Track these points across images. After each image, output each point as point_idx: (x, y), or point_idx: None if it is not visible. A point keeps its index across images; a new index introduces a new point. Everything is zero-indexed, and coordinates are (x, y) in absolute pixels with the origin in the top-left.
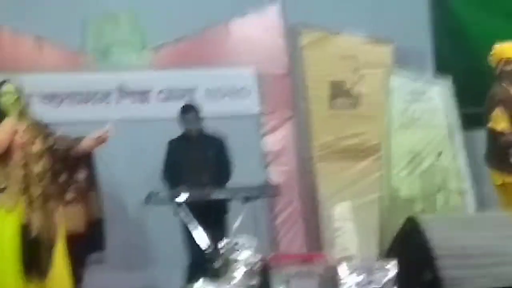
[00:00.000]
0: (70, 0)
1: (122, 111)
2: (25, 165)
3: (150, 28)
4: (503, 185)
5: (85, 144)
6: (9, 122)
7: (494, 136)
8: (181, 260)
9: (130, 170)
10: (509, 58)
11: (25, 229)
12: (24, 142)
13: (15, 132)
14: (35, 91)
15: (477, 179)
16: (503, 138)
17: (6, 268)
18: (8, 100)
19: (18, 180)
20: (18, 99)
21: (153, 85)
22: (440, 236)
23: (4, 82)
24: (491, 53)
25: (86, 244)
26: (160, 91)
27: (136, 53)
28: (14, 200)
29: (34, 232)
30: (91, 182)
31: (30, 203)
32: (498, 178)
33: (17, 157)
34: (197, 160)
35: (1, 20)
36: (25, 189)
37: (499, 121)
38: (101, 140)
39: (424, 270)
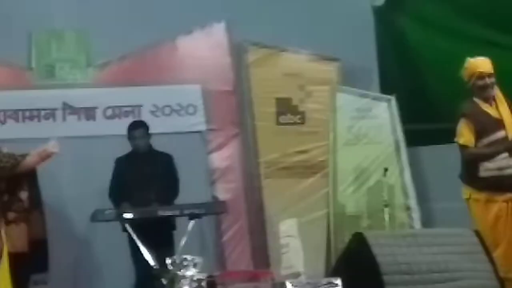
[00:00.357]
0: (15, 17)
1: (68, 128)
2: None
3: (96, 46)
4: (468, 199)
5: (29, 160)
6: None
7: (460, 150)
8: (128, 277)
9: (76, 188)
10: (482, 72)
11: None
12: None
13: None
14: None
15: (422, 196)
16: (466, 151)
17: None
18: None
19: None
20: None
21: (99, 102)
22: (386, 252)
23: None
24: (464, 67)
25: (29, 264)
26: (106, 108)
27: (81, 70)
28: None
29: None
30: (35, 201)
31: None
32: (466, 192)
33: None
34: (145, 177)
35: None
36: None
37: (462, 134)
38: (45, 156)
39: (370, 286)
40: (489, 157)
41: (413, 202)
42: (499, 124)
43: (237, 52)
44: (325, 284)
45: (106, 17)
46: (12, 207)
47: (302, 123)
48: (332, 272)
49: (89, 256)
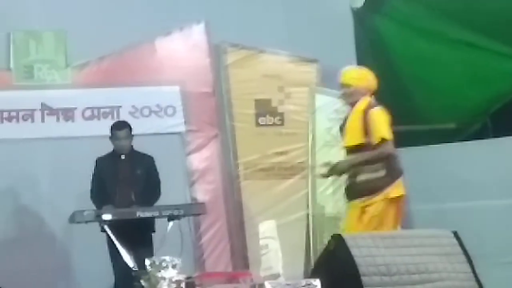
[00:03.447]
0: None
1: (47, 129)
2: None
3: (75, 46)
4: None
5: None
6: None
7: None
8: (107, 279)
9: (55, 189)
10: (342, 83)
11: None
12: None
13: None
14: None
15: None
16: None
17: None
18: None
19: None
20: None
21: (77, 103)
22: (364, 253)
23: None
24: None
25: None
26: (85, 109)
27: (60, 71)
28: None
29: None
30: None
31: None
32: None
33: None
34: (125, 178)
35: None
36: None
37: None
38: None
39: (349, 287)
40: None
41: None
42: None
43: (216, 53)
44: (304, 286)
45: (84, 17)
46: None
47: (281, 124)
48: (311, 273)
49: (68, 257)
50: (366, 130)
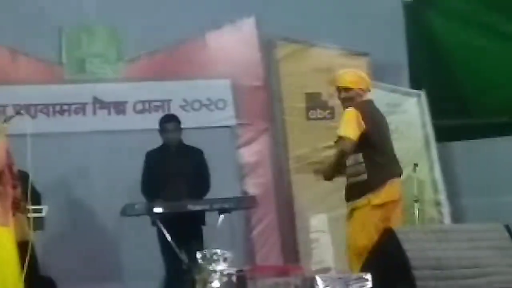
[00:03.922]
0: (46, 11)
1: (98, 122)
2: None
3: (126, 40)
4: None
5: None
6: (2, 142)
7: None
8: (157, 272)
9: (106, 182)
10: (340, 86)
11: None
12: (11, 161)
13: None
14: (9, 103)
15: (452, 191)
16: None
17: (5, 281)
18: None
19: (10, 199)
20: None
21: (129, 97)
22: (416, 247)
23: None
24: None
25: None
26: (136, 103)
27: (112, 65)
28: (7, 216)
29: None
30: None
31: (19, 219)
32: None
33: (7, 175)
34: (175, 171)
35: None
36: (15, 206)
37: None
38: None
39: (400, 281)
40: None
41: (443, 197)
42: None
43: (267, 47)
44: (355, 279)
45: (136, 11)
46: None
47: (332, 118)
48: (362, 267)
49: (119, 250)
50: None
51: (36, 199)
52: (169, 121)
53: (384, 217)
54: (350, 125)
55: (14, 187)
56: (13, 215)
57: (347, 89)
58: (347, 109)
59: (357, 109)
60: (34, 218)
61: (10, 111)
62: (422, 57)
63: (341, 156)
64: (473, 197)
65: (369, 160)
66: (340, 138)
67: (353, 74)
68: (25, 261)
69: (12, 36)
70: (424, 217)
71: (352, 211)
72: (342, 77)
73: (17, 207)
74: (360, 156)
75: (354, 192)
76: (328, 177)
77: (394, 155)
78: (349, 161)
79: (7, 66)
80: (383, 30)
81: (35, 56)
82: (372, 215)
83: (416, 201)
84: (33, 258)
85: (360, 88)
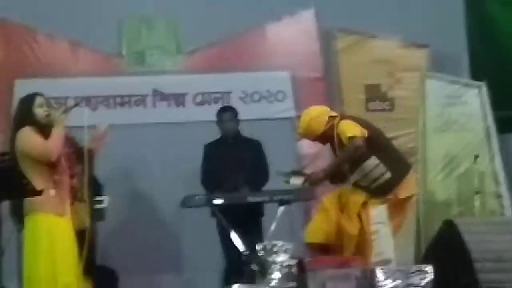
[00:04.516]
0: (106, 4)
1: (158, 114)
2: (72, 173)
3: (185, 32)
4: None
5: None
6: (60, 131)
7: None
8: (217, 263)
9: (166, 173)
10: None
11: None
12: (68, 151)
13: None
14: (70, 95)
15: None
16: None
17: (63, 270)
18: (47, 110)
19: (66, 187)
20: (51, 109)
21: (188, 89)
22: (477, 239)
23: (37, 94)
24: None
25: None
26: (196, 95)
27: (171, 57)
28: (65, 205)
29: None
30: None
31: (77, 208)
32: None
33: (64, 164)
34: (234, 163)
35: (37, 25)
36: (73, 195)
37: None
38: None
39: (461, 273)
40: None
41: (504, 189)
42: None
43: (326, 38)
44: (415, 271)
45: (195, 4)
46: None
47: (391, 110)
48: (423, 259)
49: (179, 242)
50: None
51: (98, 190)
52: (225, 111)
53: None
54: (353, 127)
55: (72, 176)
56: (71, 204)
57: (322, 135)
58: (341, 121)
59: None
60: (95, 208)
61: (71, 103)
62: (483, 48)
63: (352, 156)
64: None
65: (385, 159)
66: (351, 138)
67: (308, 121)
68: (83, 249)
69: (73, 29)
70: (485, 209)
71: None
72: (307, 129)
73: (75, 196)
74: (375, 159)
75: (381, 192)
76: (335, 180)
77: (400, 151)
78: (368, 167)
79: (67, 59)
80: (443, 21)
81: (95, 49)
82: (403, 208)
83: (477, 193)
84: (92, 247)
85: (327, 122)
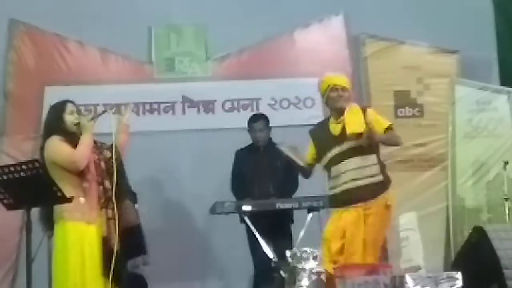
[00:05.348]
0: (135, 11)
1: (187, 121)
2: (101, 180)
3: (214, 39)
4: None
5: (122, 143)
6: (89, 138)
7: None
8: (247, 269)
9: (196, 180)
10: (335, 85)
11: (105, 241)
12: (97, 157)
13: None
14: (100, 102)
15: None
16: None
17: (92, 278)
18: (77, 118)
19: (96, 195)
20: (80, 117)
21: (217, 96)
22: (507, 246)
23: (68, 101)
24: (321, 80)
25: (127, 251)
26: (225, 101)
27: (200, 64)
28: (94, 213)
29: (113, 244)
30: (123, 190)
31: (108, 217)
32: None
33: (93, 172)
34: (264, 170)
35: (67, 32)
36: (103, 203)
37: (308, 152)
38: (127, 129)
39: (490, 280)
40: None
41: None
42: (336, 141)
43: (355, 44)
44: (445, 278)
45: (224, 11)
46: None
47: (421, 116)
48: (452, 266)
49: (209, 247)
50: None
51: (133, 198)
52: (257, 120)
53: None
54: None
55: (100, 183)
56: (101, 209)
57: (344, 89)
58: (367, 108)
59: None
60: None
61: (100, 110)
62: None
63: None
64: None
65: (380, 161)
66: (389, 128)
67: (345, 77)
68: (111, 257)
69: (103, 36)
70: None
71: (366, 210)
72: (338, 78)
73: (103, 203)
74: (375, 157)
75: (367, 192)
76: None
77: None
78: (366, 161)
79: (97, 66)
80: (473, 27)
81: (125, 56)
82: (387, 214)
83: (506, 199)
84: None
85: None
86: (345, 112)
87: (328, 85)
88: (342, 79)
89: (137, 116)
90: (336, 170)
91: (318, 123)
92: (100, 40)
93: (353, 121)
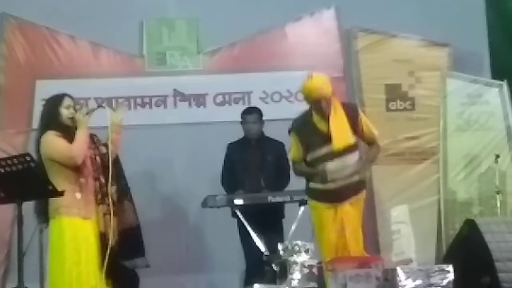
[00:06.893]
0: (127, 5)
1: (179, 115)
2: (97, 176)
3: (206, 33)
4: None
5: (116, 142)
6: (84, 133)
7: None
8: (238, 263)
9: (187, 173)
10: (312, 100)
11: (102, 237)
12: (93, 153)
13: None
14: (91, 96)
15: None
16: (293, 167)
17: (88, 273)
18: (72, 113)
19: (92, 190)
20: (76, 111)
21: (209, 89)
22: (498, 239)
23: (65, 95)
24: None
25: (125, 252)
26: (216, 95)
27: (192, 57)
28: (90, 208)
29: (109, 240)
30: (123, 191)
31: (104, 212)
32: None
33: (89, 167)
34: (256, 163)
35: (58, 26)
36: (100, 199)
37: (291, 149)
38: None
39: (482, 273)
40: (310, 175)
41: None
42: (326, 139)
43: (347, 38)
44: (436, 271)
45: (215, 5)
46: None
47: (412, 109)
48: (444, 259)
49: (200, 241)
50: (355, 130)
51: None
52: (251, 113)
53: None
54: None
55: (96, 178)
56: (98, 205)
57: (323, 99)
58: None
59: None
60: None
61: (92, 104)
62: (504, 47)
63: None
64: None
65: (362, 158)
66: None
67: (322, 79)
68: (106, 251)
69: (94, 30)
70: (506, 209)
71: (354, 205)
72: (314, 90)
73: (99, 199)
74: (357, 155)
75: (352, 189)
76: None
77: None
78: (350, 160)
79: (89, 60)
80: (464, 19)
81: (116, 50)
82: (363, 206)
83: (497, 192)
84: (114, 250)
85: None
86: (330, 121)
87: (306, 99)
88: (316, 91)
89: (129, 110)
90: (324, 166)
91: (298, 117)
92: (91, 34)
93: (340, 134)
